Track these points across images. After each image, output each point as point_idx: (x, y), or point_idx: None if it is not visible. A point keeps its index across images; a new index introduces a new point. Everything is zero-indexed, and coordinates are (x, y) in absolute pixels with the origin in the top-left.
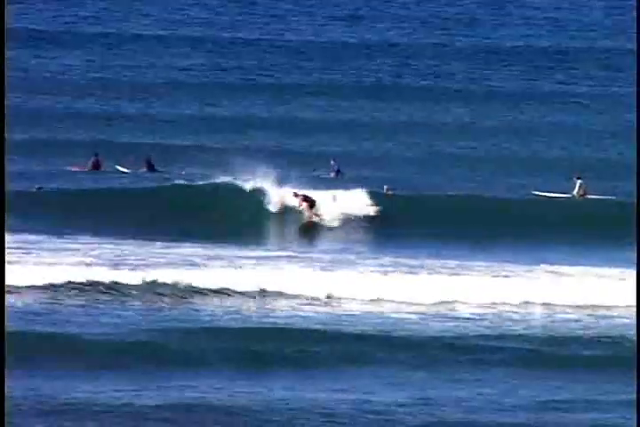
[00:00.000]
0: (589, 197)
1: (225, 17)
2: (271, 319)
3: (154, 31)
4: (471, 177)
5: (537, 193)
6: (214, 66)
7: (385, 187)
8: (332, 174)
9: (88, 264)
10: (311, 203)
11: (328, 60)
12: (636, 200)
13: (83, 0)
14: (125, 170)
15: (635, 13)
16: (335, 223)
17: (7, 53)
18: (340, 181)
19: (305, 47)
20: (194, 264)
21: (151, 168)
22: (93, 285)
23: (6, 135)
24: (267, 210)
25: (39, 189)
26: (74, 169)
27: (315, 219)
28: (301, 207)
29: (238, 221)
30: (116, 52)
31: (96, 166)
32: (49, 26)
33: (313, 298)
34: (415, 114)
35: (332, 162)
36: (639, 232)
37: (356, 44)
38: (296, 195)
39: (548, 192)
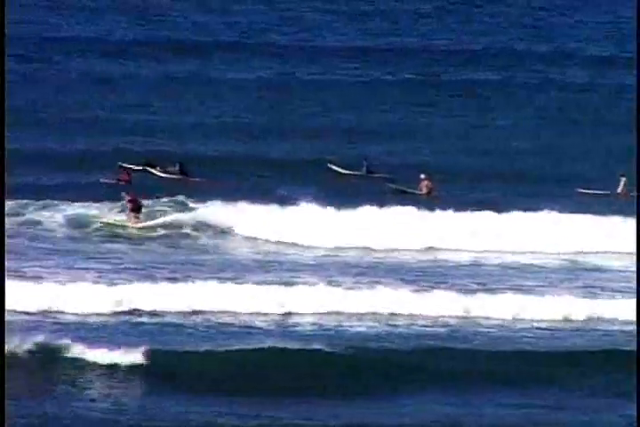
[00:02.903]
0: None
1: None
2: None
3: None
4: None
5: (581, 191)
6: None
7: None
8: (362, 173)
9: None
10: (136, 206)
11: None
12: None
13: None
14: (161, 174)
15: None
16: (156, 232)
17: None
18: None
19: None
20: None
21: (183, 173)
22: None
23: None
24: None
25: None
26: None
27: (134, 222)
28: (128, 208)
29: None
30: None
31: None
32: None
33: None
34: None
35: (363, 161)
36: (639, 231)
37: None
38: (129, 198)
39: (592, 190)
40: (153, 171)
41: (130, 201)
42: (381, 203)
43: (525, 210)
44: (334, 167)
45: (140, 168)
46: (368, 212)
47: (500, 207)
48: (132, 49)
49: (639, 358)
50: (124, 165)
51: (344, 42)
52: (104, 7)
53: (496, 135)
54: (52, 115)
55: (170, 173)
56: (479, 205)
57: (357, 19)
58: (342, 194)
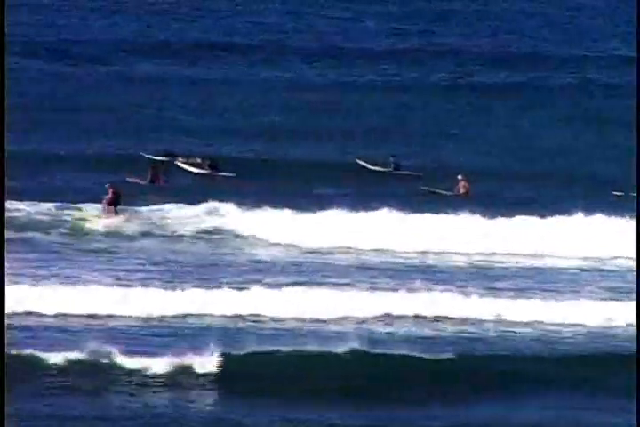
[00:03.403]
0: None
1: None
2: None
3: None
4: None
5: (615, 193)
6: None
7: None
8: (390, 169)
9: None
10: (115, 199)
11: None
12: None
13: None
14: (193, 169)
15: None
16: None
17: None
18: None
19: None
20: None
21: (214, 169)
22: None
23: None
24: None
25: None
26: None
27: (108, 216)
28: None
29: None
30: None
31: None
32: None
33: None
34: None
35: (390, 158)
36: (639, 230)
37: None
38: (112, 190)
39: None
40: (177, 163)
41: (112, 193)
42: (416, 206)
43: (558, 212)
44: (362, 163)
45: (162, 159)
46: (401, 215)
47: (532, 209)
48: (161, 50)
49: (639, 358)
50: (146, 155)
51: (376, 43)
52: (133, 8)
53: (528, 136)
54: (77, 116)
55: (195, 167)
56: (512, 207)
57: (389, 20)
58: (373, 194)
